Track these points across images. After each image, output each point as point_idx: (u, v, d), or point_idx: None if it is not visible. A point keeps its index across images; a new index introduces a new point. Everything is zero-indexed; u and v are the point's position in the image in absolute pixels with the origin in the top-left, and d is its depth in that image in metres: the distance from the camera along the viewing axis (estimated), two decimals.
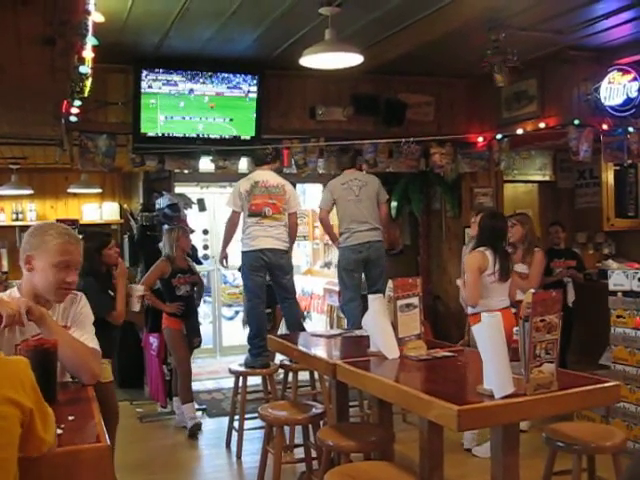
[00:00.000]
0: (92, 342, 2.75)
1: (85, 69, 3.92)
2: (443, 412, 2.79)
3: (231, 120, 6.76)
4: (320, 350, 4.39)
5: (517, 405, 2.84)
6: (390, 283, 4.10)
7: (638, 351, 5.18)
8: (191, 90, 6.54)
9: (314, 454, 4.45)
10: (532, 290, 3.79)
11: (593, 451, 3.44)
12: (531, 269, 5.79)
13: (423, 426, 3.42)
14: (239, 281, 11.57)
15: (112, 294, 4.88)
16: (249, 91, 6.75)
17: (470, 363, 3.78)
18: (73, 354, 2.53)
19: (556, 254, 7.22)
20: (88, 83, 4.37)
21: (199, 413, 6.75)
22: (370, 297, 4.06)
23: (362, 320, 4.14)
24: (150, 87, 6.39)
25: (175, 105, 6.55)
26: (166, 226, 6.67)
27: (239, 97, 6.73)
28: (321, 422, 4.43)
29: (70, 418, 2.12)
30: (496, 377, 2.88)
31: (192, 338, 6.36)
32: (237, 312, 11.86)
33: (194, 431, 6.16)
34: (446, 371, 3.67)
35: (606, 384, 3.12)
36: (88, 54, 3.66)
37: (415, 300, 3.99)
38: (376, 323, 3.94)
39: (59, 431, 1.92)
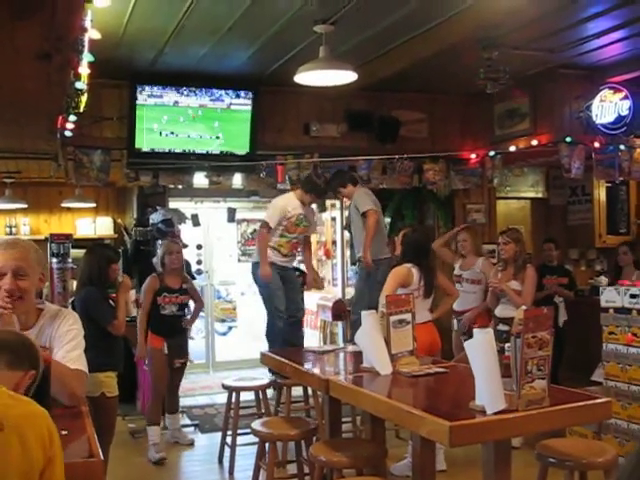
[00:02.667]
0: (77, 362, 2.64)
1: (81, 85, 3.95)
2: (435, 428, 2.81)
3: (226, 136, 6.80)
4: (313, 367, 4.40)
5: (509, 421, 2.85)
6: (383, 299, 4.13)
7: (630, 367, 5.20)
8: (186, 106, 6.58)
9: (307, 470, 4.44)
10: (524, 307, 3.83)
11: (585, 467, 3.45)
12: (524, 286, 5.81)
13: (415, 442, 3.43)
14: (232, 296, 11.62)
15: (113, 304, 4.89)
16: (244, 106, 6.79)
17: (463, 379, 3.80)
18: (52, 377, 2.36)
19: (548, 270, 7.25)
20: (84, 99, 4.40)
21: (191, 429, 6.73)
22: (363, 313, 4.08)
23: (355, 336, 4.16)
24: (145, 102, 6.43)
25: (170, 120, 6.58)
26: (160, 241, 6.67)
27: (234, 113, 6.77)
28: (314, 438, 4.42)
29: (63, 432, 2.12)
30: (488, 393, 2.90)
31: (173, 359, 6.03)
32: (230, 328, 11.85)
33: (157, 462, 5.82)
34: (438, 387, 3.68)
35: (597, 400, 3.14)
36: (84, 70, 3.68)
37: (408, 316, 4.01)
38: (369, 339, 3.96)
39: None
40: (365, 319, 4.01)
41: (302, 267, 6.87)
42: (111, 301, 4.93)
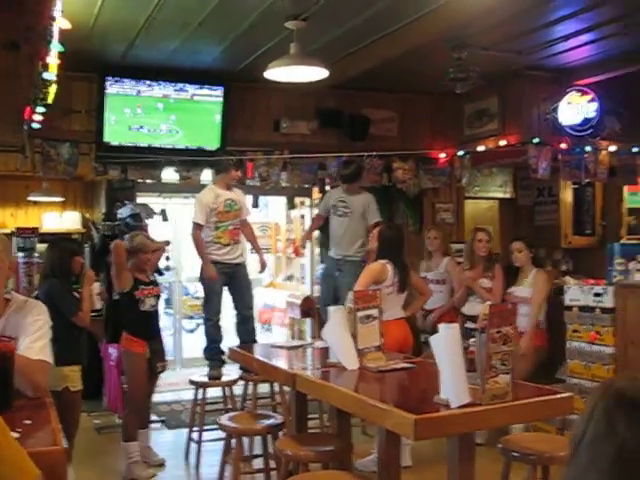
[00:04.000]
0: (41, 353, 2.60)
1: (49, 75, 3.91)
2: (400, 421, 2.83)
3: (196, 131, 6.78)
4: (280, 361, 4.41)
5: (473, 415, 2.89)
6: (351, 295, 4.16)
7: (593, 365, 5.29)
8: (156, 100, 6.55)
9: (273, 465, 4.45)
10: (489, 302, 3.88)
11: (548, 461, 3.49)
12: (494, 283, 5.88)
13: (381, 436, 3.45)
14: (200, 293, 11.56)
15: (77, 296, 4.86)
16: (215, 101, 6.77)
17: (429, 374, 3.83)
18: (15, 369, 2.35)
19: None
20: (52, 90, 4.36)
21: (157, 425, 6.70)
22: (330, 308, 4.10)
23: (322, 331, 4.17)
24: (115, 96, 6.38)
25: (140, 115, 6.54)
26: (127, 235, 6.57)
27: (206, 108, 6.75)
28: (280, 433, 4.43)
29: (27, 422, 2.11)
30: (453, 387, 2.93)
31: (155, 362, 5.46)
32: (198, 325, 11.79)
33: None
34: (404, 382, 3.72)
35: (559, 395, 3.19)
36: (53, 61, 3.65)
37: (375, 312, 4.03)
38: (336, 334, 3.98)
39: (15, 435, 1.91)
40: (332, 314, 4.03)
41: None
42: (75, 293, 4.90)
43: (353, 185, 6.40)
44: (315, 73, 5.09)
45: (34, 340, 2.60)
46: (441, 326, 3.04)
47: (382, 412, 2.98)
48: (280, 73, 5.04)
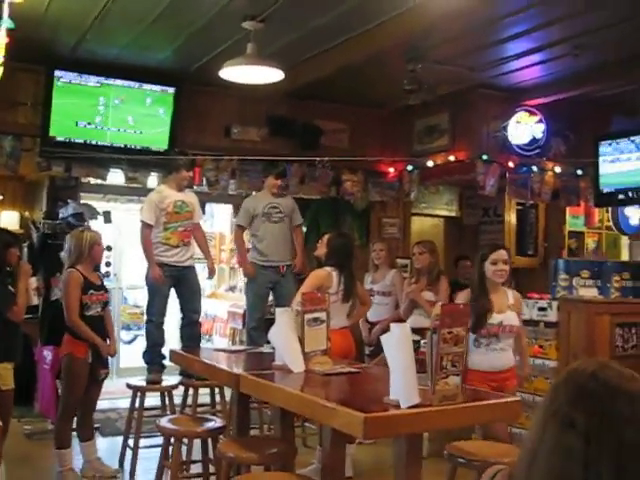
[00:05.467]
0: None
1: None
2: (349, 420, 2.77)
3: (144, 131, 6.66)
4: (223, 364, 4.31)
5: (423, 415, 2.85)
6: (298, 297, 4.10)
7: (535, 378, 5.32)
8: (105, 96, 6.40)
9: (212, 470, 4.33)
10: (440, 302, 3.86)
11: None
12: (438, 296, 5.88)
13: (326, 440, 3.39)
14: (139, 301, 11.32)
15: (12, 290, 4.66)
16: (165, 101, 6.66)
17: (376, 378, 3.78)
18: None
19: (460, 288, 7.36)
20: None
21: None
22: (278, 310, 4.04)
23: (269, 333, 4.10)
24: (62, 89, 6.21)
25: (87, 110, 6.39)
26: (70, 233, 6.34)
27: (155, 107, 6.65)
28: (220, 437, 4.32)
29: None
30: (403, 387, 2.88)
31: (98, 369, 5.16)
32: (136, 337, 11.53)
33: None
34: (352, 385, 3.66)
35: (509, 399, 3.19)
36: (1, 39, 3.51)
37: (323, 315, 3.98)
38: (283, 336, 3.91)
39: None
40: (279, 316, 3.96)
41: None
42: (10, 287, 4.71)
43: (284, 182, 6.46)
44: (271, 75, 5.05)
45: None
46: (393, 325, 3.00)
47: (330, 411, 2.91)
48: (236, 72, 4.99)
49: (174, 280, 5.92)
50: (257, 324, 6.18)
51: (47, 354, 6.50)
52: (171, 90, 6.67)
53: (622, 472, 1.07)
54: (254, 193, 7.44)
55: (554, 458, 1.12)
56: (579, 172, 7.54)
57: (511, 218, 8.74)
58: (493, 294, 4.23)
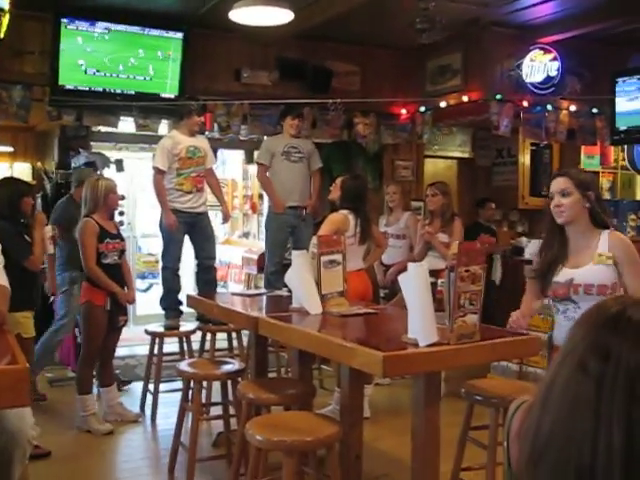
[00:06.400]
0: None
1: (3, 3, 3.71)
2: (368, 359, 2.80)
3: (154, 77, 6.58)
4: (241, 307, 4.34)
5: (441, 353, 2.87)
6: (315, 239, 4.10)
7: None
8: (113, 43, 6.32)
9: (232, 412, 4.40)
10: (457, 241, 3.85)
11: (510, 404, 3.50)
12: (452, 237, 5.87)
13: (344, 381, 3.43)
14: (154, 249, 11.37)
15: (28, 239, 4.69)
16: (174, 46, 6.58)
17: (393, 318, 3.81)
18: None
19: (482, 229, 7.38)
20: (5, 21, 4.15)
21: None
22: (294, 253, 4.05)
23: (285, 276, 4.12)
24: (69, 38, 6.14)
25: (96, 57, 6.32)
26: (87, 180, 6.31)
27: (164, 53, 6.56)
28: (239, 379, 4.38)
29: None
30: (421, 326, 2.90)
31: (117, 316, 5.21)
32: (151, 285, 11.62)
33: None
34: (369, 325, 3.68)
35: (525, 336, 3.20)
36: None
37: (339, 257, 3.98)
38: (299, 278, 3.92)
39: None
40: (296, 259, 3.97)
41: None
42: (26, 237, 4.74)
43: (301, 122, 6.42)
44: (281, 16, 4.96)
45: None
46: (410, 265, 3.00)
47: (349, 351, 2.94)
48: (245, 14, 4.90)
49: (188, 226, 5.92)
50: (276, 268, 6.19)
51: None
52: (179, 35, 6.57)
53: (634, 426, 0.99)
54: (266, 137, 7.41)
55: (565, 400, 1.06)
56: (594, 111, 7.45)
57: (525, 159, 8.68)
58: (572, 241, 3.13)
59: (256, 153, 8.83)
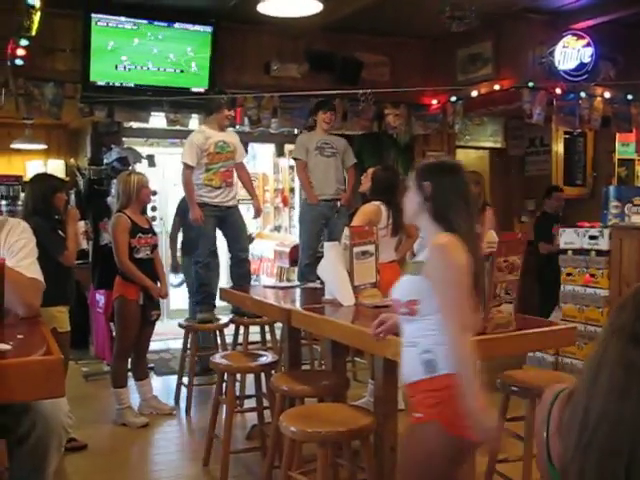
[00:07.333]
0: (31, 270, 2.49)
1: (34, 0, 3.74)
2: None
3: (184, 71, 6.60)
4: (273, 300, 4.34)
5: (477, 343, 2.81)
6: (347, 231, 4.08)
7: (587, 308, 5.26)
8: (142, 38, 6.35)
9: (266, 404, 4.40)
10: (492, 231, 3.81)
11: None
12: (483, 227, 5.80)
13: (378, 372, 3.40)
14: None
15: (62, 235, 4.73)
16: (203, 41, 6.59)
17: None
18: (5, 284, 2.21)
19: (556, 219, 7.31)
20: (36, 19, 4.18)
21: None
22: (326, 244, 4.04)
23: (317, 268, 4.10)
24: (100, 34, 6.17)
25: (126, 54, 6.35)
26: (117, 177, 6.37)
27: (193, 47, 6.59)
28: (273, 372, 4.38)
29: (19, 336, 2.02)
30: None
31: (149, 311, 5.29)
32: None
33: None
34: None
35: (562, 327, 3.15)
36: None
37: (371, 248, 3.96)
38: (332, 270, 3.91)
39: (7, 347, 1.82)
40: (328, 251, 3.95)
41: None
42: (60, 232, 4.77)
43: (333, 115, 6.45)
44: (309, 7, 4.94)
45: (22, 258, 2.49)
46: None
47: (382, 341, 2.91)
48: (273, 6, 4.88)
49: (218, 220, 5.90)
50: (310, 261, 6.17)
51: (99, 298, 6.65)
52: (209, 29, 6.58)
53: None
54: (296, 131, 7.39)
55: (617, 372, 1.08)
56: (629, 97, 7.31)
57: (558, 147, 8.56)
58: None
59: (286, 147, 8.89)
